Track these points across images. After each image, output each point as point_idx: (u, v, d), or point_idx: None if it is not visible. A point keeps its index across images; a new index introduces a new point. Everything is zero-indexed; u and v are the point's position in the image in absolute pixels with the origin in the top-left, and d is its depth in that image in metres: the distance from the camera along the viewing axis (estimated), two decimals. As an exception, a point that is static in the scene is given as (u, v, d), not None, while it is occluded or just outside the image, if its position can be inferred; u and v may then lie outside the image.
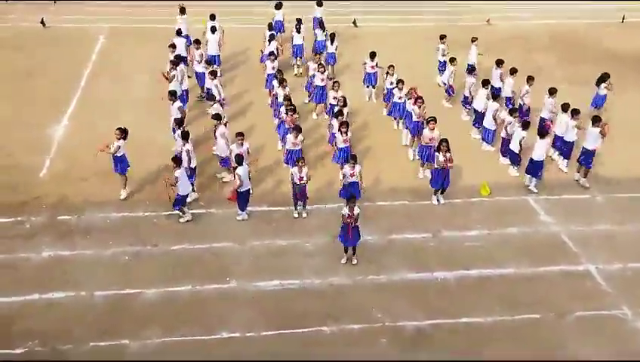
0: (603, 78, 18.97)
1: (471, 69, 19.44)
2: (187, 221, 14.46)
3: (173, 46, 20.37)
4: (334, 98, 17.70)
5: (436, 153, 14.97)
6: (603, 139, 15.94)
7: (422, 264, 13.48)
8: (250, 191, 14.69)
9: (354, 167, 14.33)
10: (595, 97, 19.09)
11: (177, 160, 14.17)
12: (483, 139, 17.86)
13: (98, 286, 12.53)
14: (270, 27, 22.13)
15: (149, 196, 15.31)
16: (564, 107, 16.80)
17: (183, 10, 22.51)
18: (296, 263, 13.39)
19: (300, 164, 14.26)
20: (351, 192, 14.12)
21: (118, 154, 14.80)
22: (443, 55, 21.27)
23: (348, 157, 15.03)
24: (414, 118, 16.92)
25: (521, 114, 17.84)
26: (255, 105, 20.02)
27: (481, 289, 12.89)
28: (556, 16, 29.44)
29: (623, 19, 28.82)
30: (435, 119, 15.85)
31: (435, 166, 15.00)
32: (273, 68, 19.55)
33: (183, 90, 18.51)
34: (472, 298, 12.62)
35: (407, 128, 17.61)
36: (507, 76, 19.11)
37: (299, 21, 22.13)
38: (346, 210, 12.80)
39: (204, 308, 12.14)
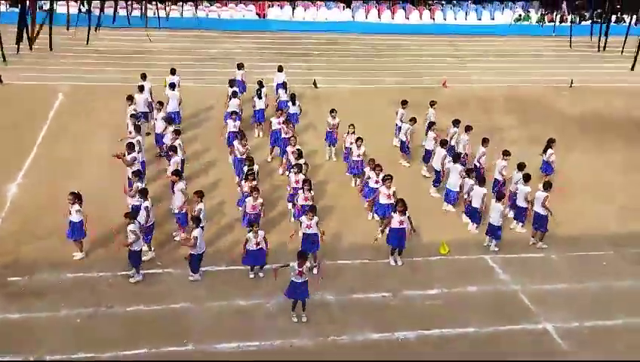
0: (549, 145, 19.33)
1: (430, 125, 19.93)
2: (137, 281, 14.14)
3: (130, 98, 20.35)
4: (292, 153, 17.88)
5: (393, 213, 15.07)
6: (546, 208, 16.10)
7: (383, 323, 13.37)
8: (203, 254, 14.43)
9: (312, 218, 14.33)
10: (543, 163, 19.45)
11: (132, 215, 13.93)
12: (445, 199, 18.14)
13: (49, 351, 12.00)
14: (231, 84, 22.36)
15: (105, 256, 14.95)
16: (520, 166, 17.27)
17: (141, 88, 21.40)
18: (257, 324, 13.13)
19: (255, 229, 14.13)
20: (312, 243, 14.38)
21: (76, 220, 14.49)
22: (401, 120, 21.71)
23: None
24: (371, 185, 16.98)
25: (478, 175, 18.18)
26: (216, 164, 19.99)
27: (442, 348, 12.83)
28: (511, 80, 30.61)
29: (571, 83, 30.15)
30: (391, 177, 16.06)
31: (392, 225, 15.08)
32: (235, 126, 19.71)
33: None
34: (434, 358, 12.53)
35: (363, 192, 17.67)
36: (462, 133, 19.65)
37: (260, 84, 22.38)
38: (294, 265, 12.73)
39: (161, 373, 11.76)
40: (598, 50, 36.01)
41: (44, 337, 12.37)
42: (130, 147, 16.86)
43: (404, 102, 21.84)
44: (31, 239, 15.46)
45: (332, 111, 20.43)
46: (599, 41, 35.43)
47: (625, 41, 34.07)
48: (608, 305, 14.40)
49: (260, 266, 14.61)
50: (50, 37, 29.11)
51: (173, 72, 22.49)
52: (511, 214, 17.39)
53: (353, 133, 19.22)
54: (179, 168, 16.74)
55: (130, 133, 18.29)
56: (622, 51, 29.30)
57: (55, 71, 27.75)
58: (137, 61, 29.37)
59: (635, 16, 39.88)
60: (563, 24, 39.98)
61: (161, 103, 20.28)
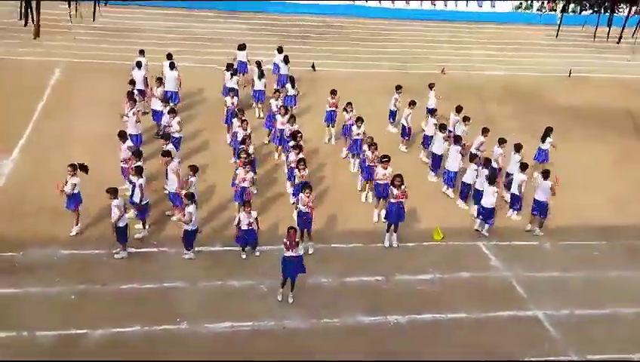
0: (547, 133, 19.44)
1: (432, 111, 19.90)
2: (122, 258, 14.16)
3: (132, 82, 20.32)
4: (289, 130, 17.84)
5: (391, 187, 15.08)
6: (553, 193, 16.25)
7: (376, 307, 13.44)
8: (199, 230, 14.46)
9: (309, 195, 14.34)
10: (538, 151, 19.49)
11: (113, 190, 13.89)
12: (445, 182, 18.19)
13: (41, 326, 12.01)
14: (228, 68, 22.22)
15: (100, 233, 14.94)
16: (517, 147, 17.34)
17: (139, 65, 21.58)
18: (250, 305, 13.17)
19: (247, 209, 14.11)
20: (306, 221, 14.43)
21: (75, 191, 14.49)
22: (395, 105, 21.67)
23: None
24: (367, 163, 17.10)
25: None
26: (211, 144, 19.95)
27: (434, 333, 12.91)
28: (509, 68, 30.56)
29: (570, 73, 30.12)
30: (388, 158, 16.06)
31: (391, 200, 15.09)
32: (233, 103, 19.65)
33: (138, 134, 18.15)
34: (425, 342, 12.63)
35: (361, 171, 17.75)
36: (460, 124, 19.66)
37: (259, 65, 22.26)
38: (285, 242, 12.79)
39: (153, 351, 11.74)
40: (594, 40, 35.98)
41: (36, 313, 12.38)
42: (123, 136, 16.67)
43: (398, 88, 21.79)
44: (25, 215, 15.43)
45: (332, 91, 20.40)
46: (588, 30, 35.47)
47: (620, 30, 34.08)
48: (599, 295, 14.50)
49: (252, 247, 14.64)
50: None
51: (169, 57, 22.17)
52: (507, 197, 17.46)
53: (352, 110, 19.21)
54: (172, 148, 16.67)
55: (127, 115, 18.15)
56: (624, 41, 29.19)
57: (51, 47, 27.53)
58: (132, 39, 29.17)
59: (635, 7, 39.78)
60: (564, 13, 39.85)
61: (160, 80, 20.21)
